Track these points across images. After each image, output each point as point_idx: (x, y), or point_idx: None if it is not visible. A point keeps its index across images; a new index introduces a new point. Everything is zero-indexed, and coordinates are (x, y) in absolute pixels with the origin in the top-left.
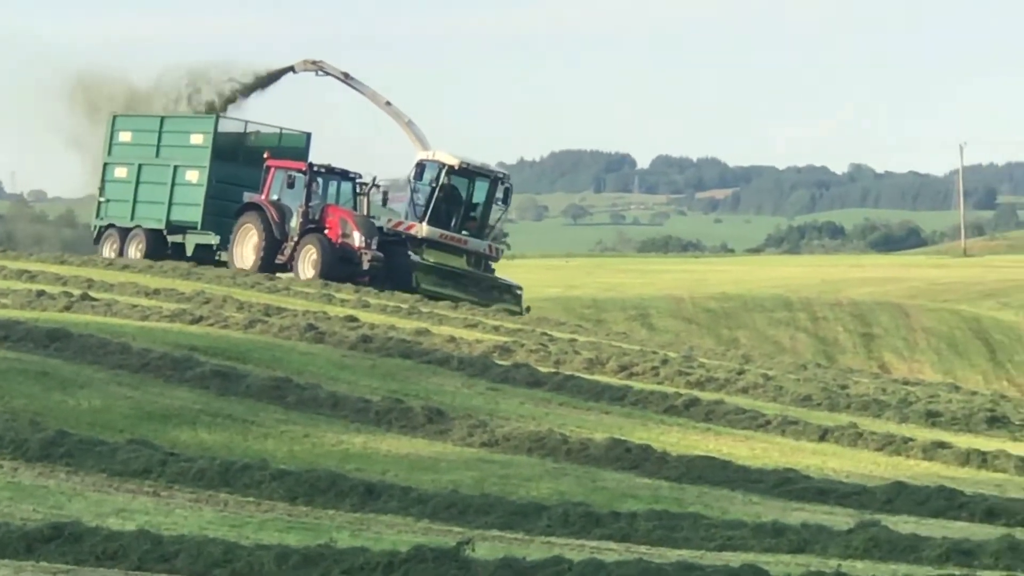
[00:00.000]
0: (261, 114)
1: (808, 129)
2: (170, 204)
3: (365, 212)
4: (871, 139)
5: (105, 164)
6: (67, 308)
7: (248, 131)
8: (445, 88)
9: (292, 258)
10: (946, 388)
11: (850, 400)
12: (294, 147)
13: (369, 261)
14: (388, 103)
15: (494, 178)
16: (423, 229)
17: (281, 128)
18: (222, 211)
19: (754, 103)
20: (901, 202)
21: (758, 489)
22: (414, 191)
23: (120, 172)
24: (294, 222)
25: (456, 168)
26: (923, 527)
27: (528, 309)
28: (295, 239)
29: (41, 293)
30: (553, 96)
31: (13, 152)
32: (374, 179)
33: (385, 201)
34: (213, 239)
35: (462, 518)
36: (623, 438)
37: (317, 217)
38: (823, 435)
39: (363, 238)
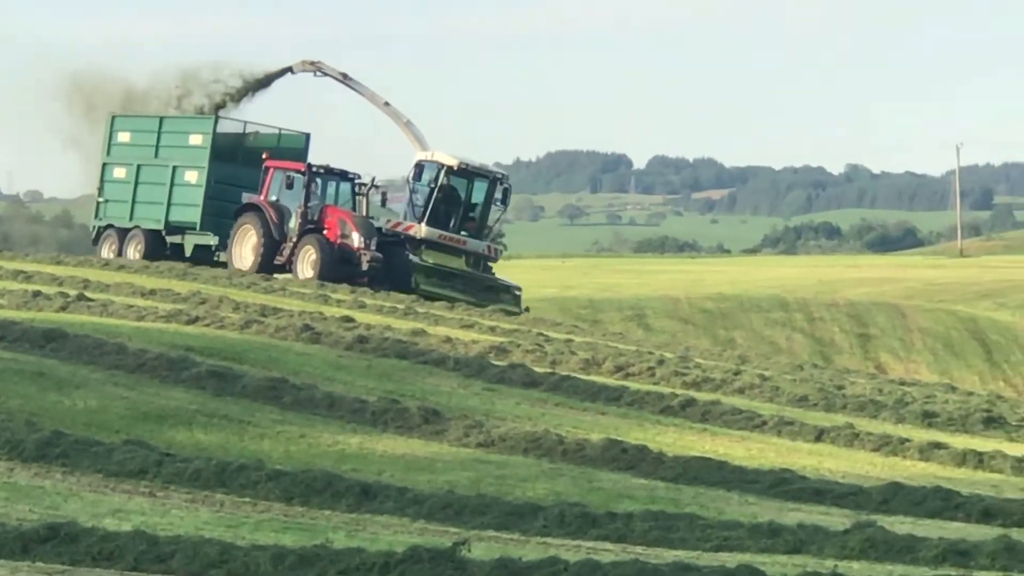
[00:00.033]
0: (260, 115)
1: (804, 129)
2: (169, 205)
3: (364, 213)
4: (868, 139)
5: (104, 164)
6: (63, 308)
7: (247, 131)
8: (441, 88)
9: (291, 259)
10: (942, 388)
11: (846, 400)
12: (293, 148)
13: (368, 262)
14: (387, 103)
15: (493, 178)
16: (422, 230)
17: (280, 129)
18: (221, 212)
19: (750, 103)
20: (898, 202)
21: (754, 489)
22: (413, 191)
23: (119, 172)
24: (293, 223)
25: (455, 169)
26: (919, 527)
27: (527, 310)
28: (294, 240)
29: (37, 293)
30: (549, 96)
31: (10, 152)
32: (373, 180)
33: (384, 202)
34: (212, 240)
35: (458, 518)
36: (619, 438)
37: (316, 218)
38: (819, 435)
39: (362, 239)
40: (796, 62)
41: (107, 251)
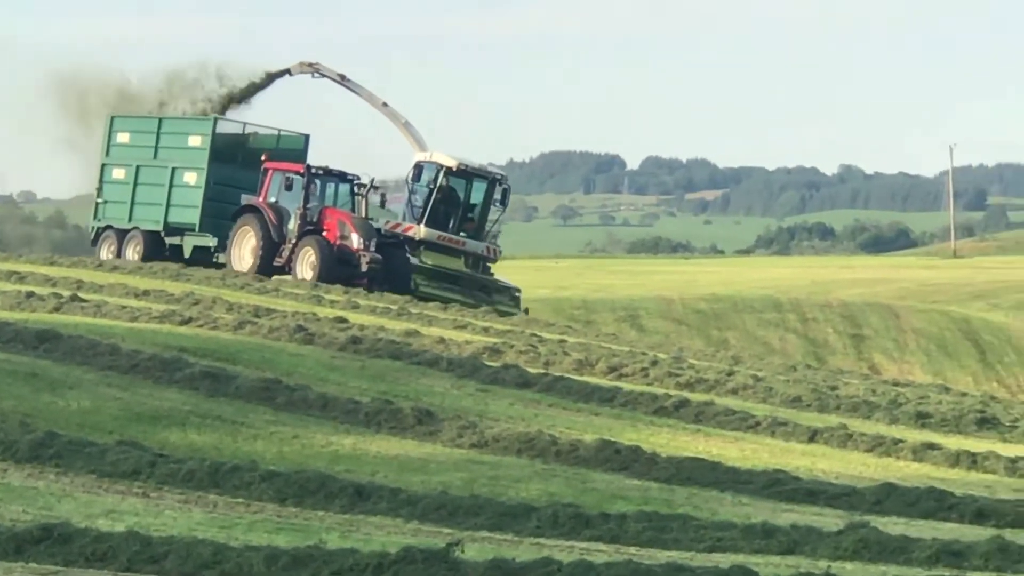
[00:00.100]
0: (259, 116)
1: (798, 130)
2: (168, 206)
3: (363, 214)
4: (861, 140)
5: (103, 165)
6: (56, 309)
7: (246, 133)
8: (434, 89)
9: (290, 260)
10: (936, 389)
11: (840, 401)
12: (292, 149)
13: (368, 263)
14: (385, 104)
15: (492, 179)
16: (421, 231)
17: (279, 130)
18: (220, 213)
19: (744, 104)
20: (891, 203)
21: (748, 490)
22: (412, 192)
23: (118, 173)
24: (292, 224)
25: (454, 169)
26: (913, 528)
27: (527, 311)
28: (293, 241)
29: (30, 294)
30: (543, 97)
31: (3, 153)
32: (372, 180)
33: (383, 203)
34: (211, 241)
35: (452, 519)
36: (613, 439)
37: (315, 219)
38: (813, 436)
39: (361, 240)
40: (789, 62)
41: (106, 252)
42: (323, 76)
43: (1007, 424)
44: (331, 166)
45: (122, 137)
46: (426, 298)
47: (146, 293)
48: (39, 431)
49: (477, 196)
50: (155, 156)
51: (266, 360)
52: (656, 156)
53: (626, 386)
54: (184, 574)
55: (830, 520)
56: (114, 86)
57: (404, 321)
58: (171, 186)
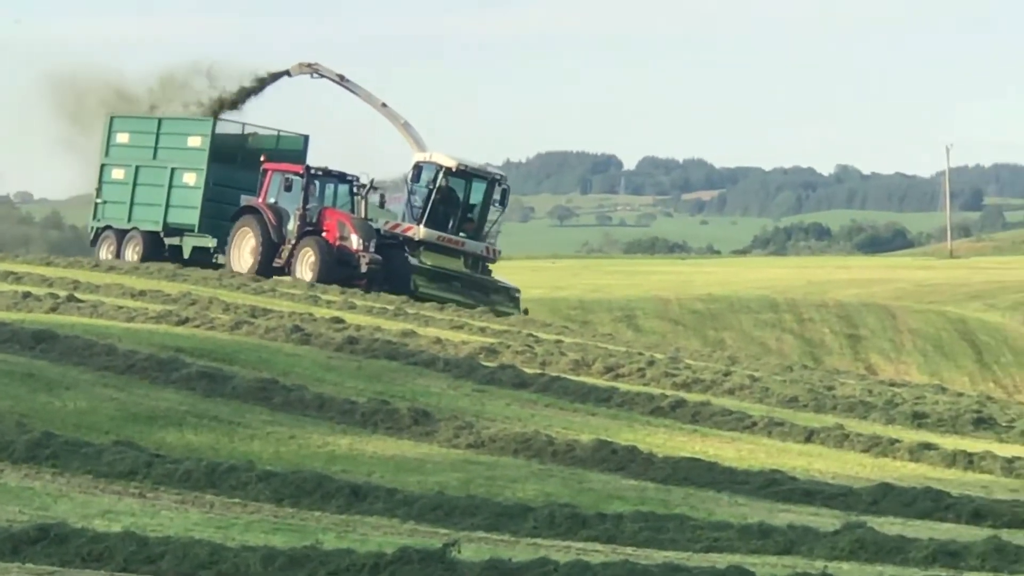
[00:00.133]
0: (259, 117)
1: (794, 130)
2: (167, 206)
3: (363, 214)
4: (857, 140)
5: (102, 165)
6: (53, 310)
7: (246, 133)
8: (432, 89)
9: (290, 261)
10: (932, 389)
11: (836, 401)
12: (292, 149)
13: (367, 264)
14: (384, 104)
15: (491, 179)
16: (420, 231)
17: (279, 130)
18: (220, 214)
19: (740, 104)
20: (887, 203)
21: (744, 490)
22: (411, 193)
23: (117, 174)
24: (291, 225)
25: (453, 170)
26: (909, 528)
27: (527, 312)
28: (292, 242)
29: (27, 295)
30: (539, 97)
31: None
32: (372, 181)
33: (383, 203)
34: (210, 242)
35: (448, 520)
36: (609, 439)
37: (314, 220)
38: (809, 436)
39: (361, 241)
40: (786, 63)
41: (105, 252)
42: (322, 76)
43: (1003, 424)
44: (330, 166)
45: (121, 137)
46: (424, 298)
47: (143, 293)
48: (35, 431)
49: (476, 196)
50: (154, 156)
51: (263, 360)
52: (653, 156)
53: (623, 386)
54: (180, 574)
55: (826, 520)
56: (111, 86)
57: (401, 321)
58: (170, 187)
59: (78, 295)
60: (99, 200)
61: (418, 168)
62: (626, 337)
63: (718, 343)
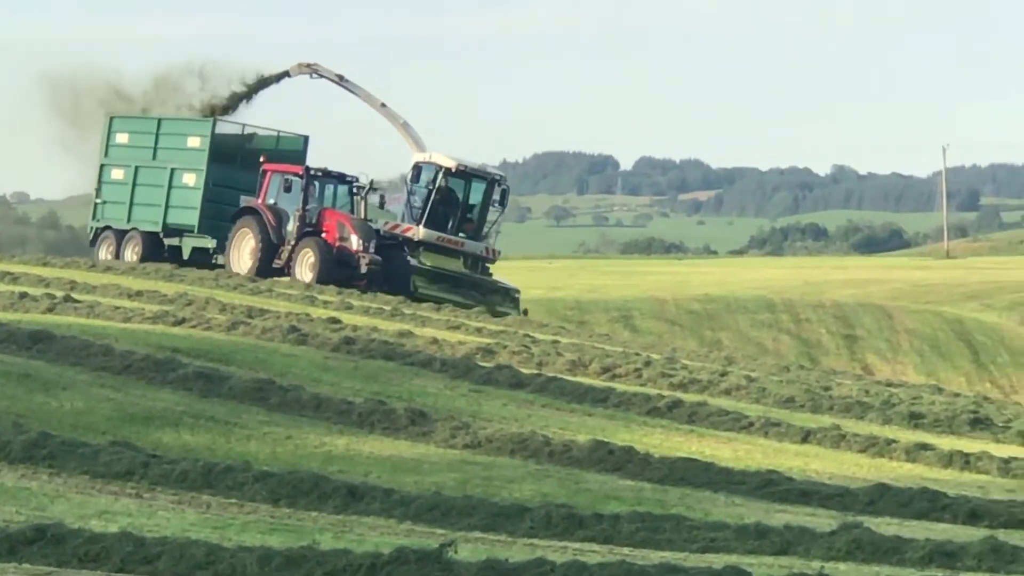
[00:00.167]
0: (259, 117)
1: (791, 130)
2: (167, 207)
3: (362, 215)
4: (854, 141)
5: (102, 166)
6: (50, 310)
7: (246, 134)
8: (430, 89)
9: (289, 262)
10: (929, 390)
11: (833, 402)
12: (292, 150)
13: (367, 265)
14: (383, 105)
15: (491, 180)
16: (420, 232)
17: (279, 131)
18: (219, 215)
19: (737, 104)
20: (884, 204)
21: (741, 491)
22: (411, 193)
23: (117, 174)
24: (291, 226)
25: (453, 170)
26: (906, 529)
27: (526, 312)
28: (292, 243)
29: (24, 295)
30: (536, 97)
31: None
32: (371, 182)
33: (382, 204)
34: (210, 243)
35: (445, 520)
36: (606, 440)
37: (314, 221)
38: (806, 437)
39: (361, 241)
40: (783, 63)
41: (104, 253)
42: (322, 77)
43: (1000, 424)
44: (330, 167)
45: (121, 137)
46: (423, 299)
47: (139, 294)
48: (32, 432)
49: (476, 197)
50: (154, 157)
51: (259, 361)
52: (649, 156)
53: (619, 387)
54: (177, 575)
55: (823, 521)
56: (110, 86)
57: (397, 322)
58: (170, 187)
59: (75, 295)
60: (98, 200)
61: (417, 168)
62: (623, 337)
63: (715, 343)
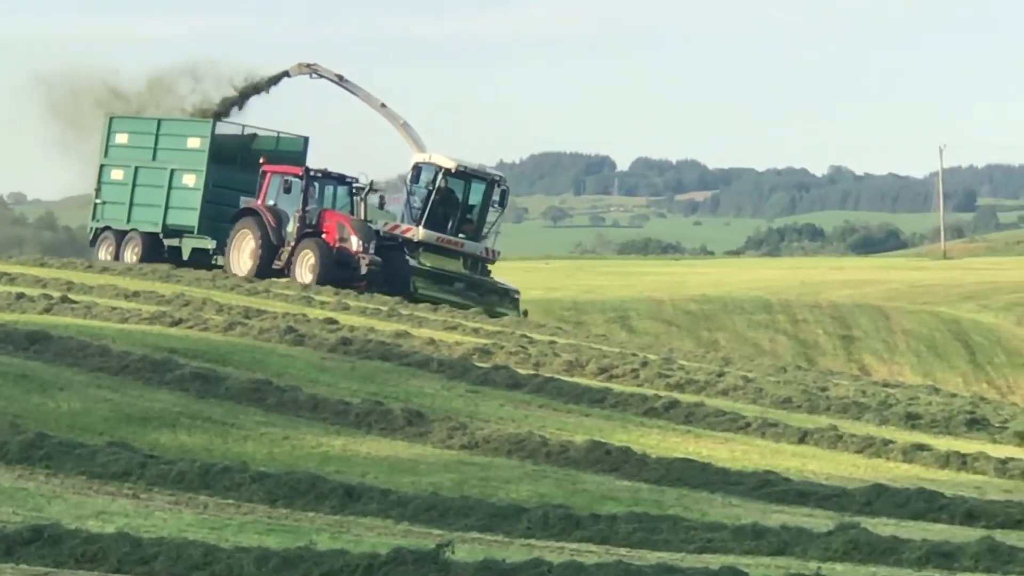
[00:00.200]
0: (259, 118)
1: (788, 131)
2: (167, 208)
3: (362, 216)
4: (851, 141)
5: (102, 166)
6: (47, 310)
7: (246, 135)
8: (424, 89)
9: (289, 263)
10: (926, 390)
11: (830, 402)
12: (292, 151)
13: (367, 265)
14: (383, 105)
15: (491, 180)
16: (420, 232)
17: (279, 132)
18: (219, 215)
19: (734, 105)
20: (881, 204)
21: (738, 491)
22: (411, 194)
23: (116, 174)
24: (291, 227)
25: (453, 171)
26: (903, 529)
27: (526, 313)
28: (292, 244)
29: (21, 295)
30: (533, 98)
31: None
32: (371, 182)
33: (382, 204)
34: (210, 244)
35: (442, 520)
36: (603, 440)
37: (314, 222)
38: (803, 437)
39: (360, 242)
40: (780, 64)
41: (104, 253)
42: (321, 77)
43: (997, 425)
44: (329, 168)
45: (121, 138)
46: (422, 300)
47: (136, 294)
48: (29, 432)
49: (476, 197)
50: (154, 157)
51: (256, 361)
52: (646, 157)
53: (616, 387)
54: (174, 575)
55: (820, 521)
56: (108, 87)
57: (394, 322)
58: (170, 188)
59: (72, 296)
60: (98, 201)
61: (417, 169)
62: (620, 338)
63: (712, 344)
